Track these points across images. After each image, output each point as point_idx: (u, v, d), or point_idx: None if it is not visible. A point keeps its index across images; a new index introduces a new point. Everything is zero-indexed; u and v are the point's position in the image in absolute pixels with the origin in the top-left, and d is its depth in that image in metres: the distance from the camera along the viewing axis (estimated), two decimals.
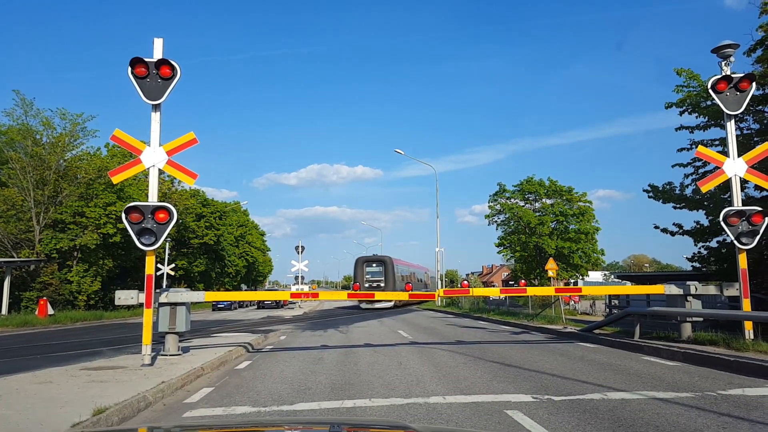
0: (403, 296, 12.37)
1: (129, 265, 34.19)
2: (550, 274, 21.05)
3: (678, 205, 15.88)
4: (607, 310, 21.48)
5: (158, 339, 9.17)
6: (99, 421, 4.63)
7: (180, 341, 9.63)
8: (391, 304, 34.86)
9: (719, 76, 10.24)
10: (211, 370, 8.23)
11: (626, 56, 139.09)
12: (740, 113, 10.86)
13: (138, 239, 8.36)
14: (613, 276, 67.10)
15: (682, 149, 15.60)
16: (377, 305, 34.08)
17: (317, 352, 10.60)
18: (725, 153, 10.68)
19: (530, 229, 36.50)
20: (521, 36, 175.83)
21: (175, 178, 35.72)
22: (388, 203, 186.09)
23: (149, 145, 8.78)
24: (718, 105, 10.48)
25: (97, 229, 29.66)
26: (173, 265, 37.72)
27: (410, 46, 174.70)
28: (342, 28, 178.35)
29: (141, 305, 8.84)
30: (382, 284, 34.87)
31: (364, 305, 34.80)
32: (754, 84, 10.35)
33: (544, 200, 38.04)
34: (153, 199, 8.65)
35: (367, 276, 35.83)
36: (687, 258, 16.44)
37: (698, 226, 15.64)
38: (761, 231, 9.90)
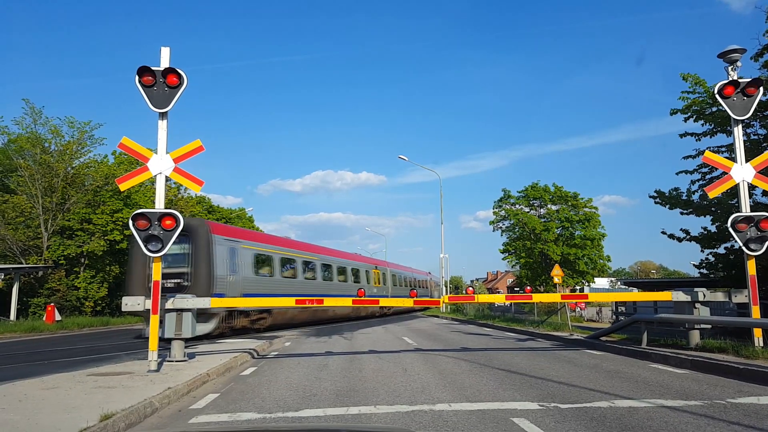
0: (408, 303, 12.37)
1: None
2: (556, 280, 20.98)
3: (685, 211, 15.81)
4: (614, 317, 21.33)
5: (164, 345, 9.20)
6: (106, 427, 4.65)
7: (186, 347, 9.66)
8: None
9: (726, 81, 10.19)
10: (216, 376, 8.24)
11: (633, 63, 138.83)
12: (747, 118, 10.81)
13: (145, 246, 8.42)
14: (619, 282, 66.82)
15: (687, 156, 15.55)
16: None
17: (322, 359, 10.58)
18: (732, 159, 10.62)
19: (535, 236, 36.38)
20: (527, 43, 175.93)
21: (182, 185, 35.83)
22: (392, 209, 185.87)
23: (156, 153, 8.84)
24: (725, 110, 10.44)
25: (104, 236, 29.82)
26: None
27: (415, 53, 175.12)
28: (346, 34, 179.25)
29: (147, 311, 8.88)
30: (185, 282, 15.67)
31: None
32: (761, 89, 10.30)
33: (549, 206, 37.98)
34: (160, 206, 8.70)
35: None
36: (694, 264, 16.41)
37: (705, 232, 15.56)
38: None
